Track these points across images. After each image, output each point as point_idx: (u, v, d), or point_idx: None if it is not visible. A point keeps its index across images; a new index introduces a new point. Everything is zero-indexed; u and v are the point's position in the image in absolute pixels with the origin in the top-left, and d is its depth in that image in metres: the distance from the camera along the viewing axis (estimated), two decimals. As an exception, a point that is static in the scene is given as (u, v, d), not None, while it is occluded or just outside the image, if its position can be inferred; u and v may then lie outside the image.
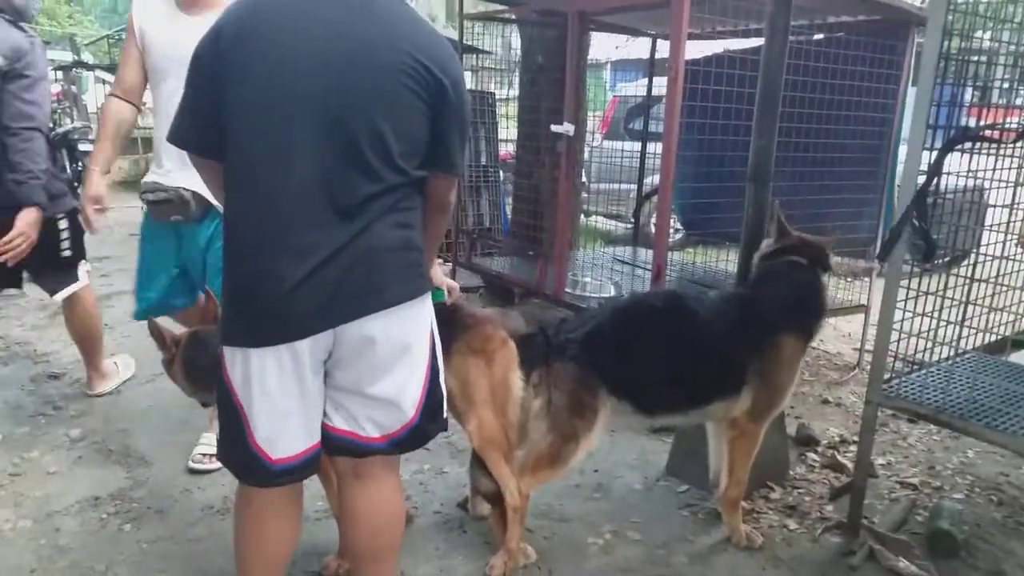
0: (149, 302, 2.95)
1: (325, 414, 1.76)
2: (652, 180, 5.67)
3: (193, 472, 2.92)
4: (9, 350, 4.24)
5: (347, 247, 1.60)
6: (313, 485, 2.38)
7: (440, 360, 1.86)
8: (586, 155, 6.24)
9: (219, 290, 2.79)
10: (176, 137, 1.72)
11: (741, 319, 2.48)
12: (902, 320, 2.52)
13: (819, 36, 4.37)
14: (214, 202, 2.69)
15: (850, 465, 3.09)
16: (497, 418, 2.33)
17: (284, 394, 1.66)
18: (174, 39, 2.62)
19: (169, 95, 2.63)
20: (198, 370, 2.22)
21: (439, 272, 2.21)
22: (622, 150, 6.22)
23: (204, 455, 2.94)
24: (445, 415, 1.90)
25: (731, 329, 2.46)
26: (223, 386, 1.71)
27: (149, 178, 2.82)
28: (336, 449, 1.78)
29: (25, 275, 3.42)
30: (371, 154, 1.59)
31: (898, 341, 2.55)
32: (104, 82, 9.97)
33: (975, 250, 2.76)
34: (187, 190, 2.73)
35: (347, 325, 1.64)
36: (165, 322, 2.52)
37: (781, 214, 2.69)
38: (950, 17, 2.31)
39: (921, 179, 2.38)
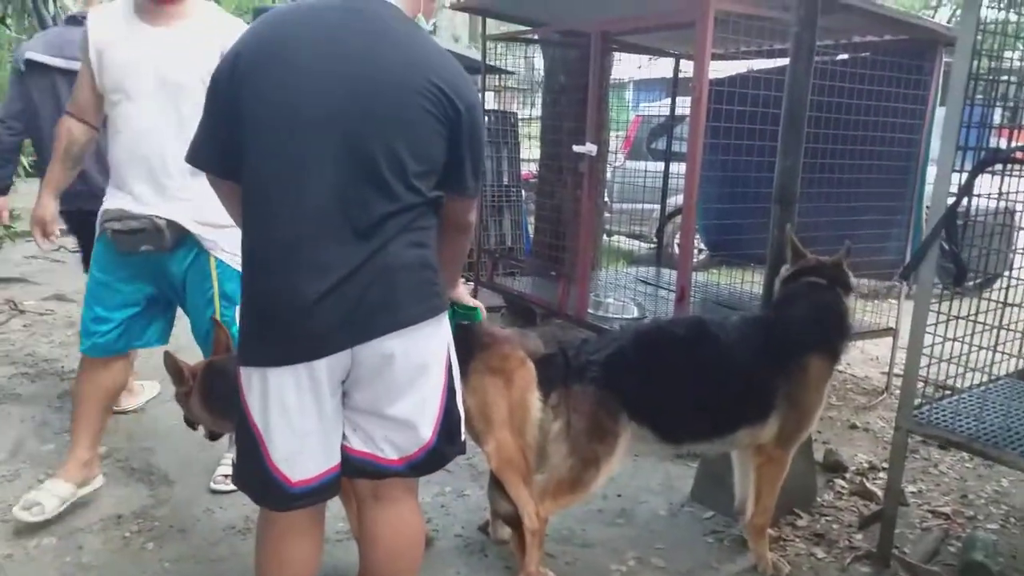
0: (105, 339, 2.73)
1: (344, 435, 1.75)
2: (675, 200, 5.65)
3: (214, 492, 2.92)
4: (37, 367, 4.29)
5: (364, 266, 1.60)
6: (334, 505, 2.36)
7: (457, 381, 1.85)
8: (608, 175, 6.23)
9: (203, 334, 2.76)
10: (195, 158, 1.74)
11: (766, 343, 2.45)
12: (932, 345, 2.47)
13: (844, 56, 4.34)
14: (193, 231, 2.62)
15: (879, 493, 3.02)
16: (515, 439, 2.30)
17: (302, 414, 1.66)
18: (136, 57, 2.52)
19: (136, 114, 2.55)
20: (217, 400, 2.20)
21: (464, 292, 2.20)
22: (645, 170, 6.21)
23: (225, 476, 2.90)
24: (464, 438, 1.88)
25: (756, 353, 2.43)
26: (240, 408, 1.71)
27: (112, 204, 2.62)
28: (354, 471, 1.77)
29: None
30: (388, 174, 1.59)
31: (928, 366, 2.50)
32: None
33: (1007, 273, 2.71)
34: (160, 218, 2.58)
35: (365, 344, 1.63)
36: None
37: (794, 238, 2.67)
38: (979, 37, 2.28)
39: (951, 201, 2.35)
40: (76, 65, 2.86)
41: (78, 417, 2.82)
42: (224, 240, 2.63)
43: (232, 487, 2.77)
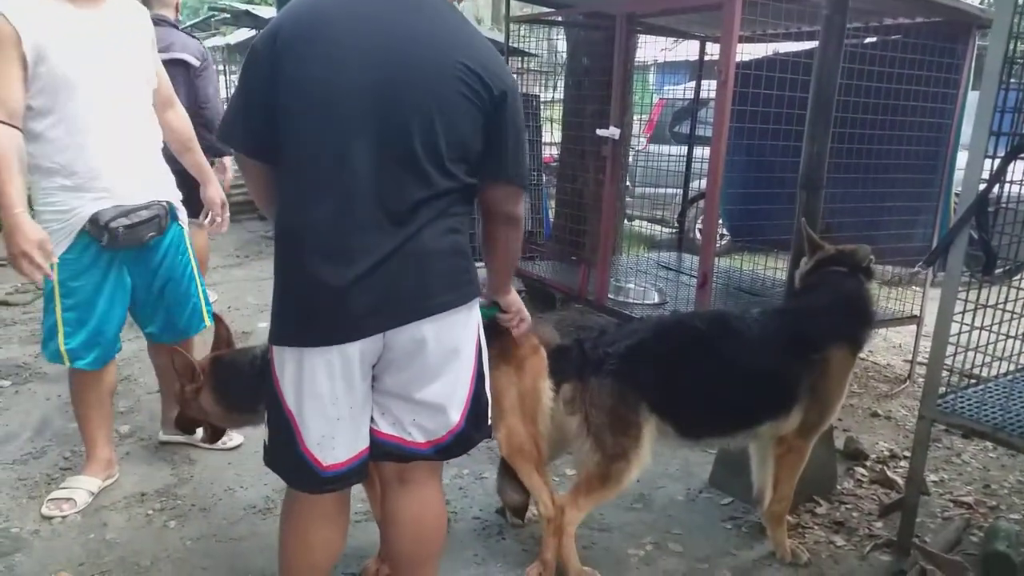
0: (108, 345, 2.67)
1: (372, 419, 1.76)
2: (698, 184, 5.60)
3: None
4: (62, 345, 4.34)
5: (398, 251, 1.60)
6: (355, 488, 2.39)
7: (486, 367, 1.85)
8: (630, 159, 6.18)
9: (187, 320, 2.85)
10: (230, 138, 1.72)
11: (789, 335, 2.42)
12: (959, 333, 2.44)
13: (873, 39, 4.26)
14: (175, 205, 2.75)
15: (900, 481, 3.00)
16: (526, 427, 2.30)
17: (333, 399, 1.66)
18: (80, 46, 2.38)
19: (84, 104, 2.40)
20: (230, 393, 2.20)
21: (516, 297, 2.13)
22: (668, 154, 6.15)
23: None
24: (490, 422, 1.89)
25: (780, 347, 2.40)
26: (272, 391, 1.72)
27: (98, 205, 2.47)
28: (382, 454, 1.78)
29: None
30: (424, 157, 1.59)
31: (954, 355, 2.46)
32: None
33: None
34: (162, 202, 2.64)
35: (398, 329, 1.64)
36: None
37: (809, 230, 2.65)
38: (1016, 19, 2.22)
39: (982, 188, 2.30)
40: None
41: (89, 423, 2.78)
42: (184, 213, 2.84)
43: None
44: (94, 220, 2.48)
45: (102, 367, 2.69)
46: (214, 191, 2.97)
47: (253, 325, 4.81)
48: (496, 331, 2.29)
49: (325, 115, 1.57)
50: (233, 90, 1.72)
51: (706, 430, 2.46)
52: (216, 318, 2.46)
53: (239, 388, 2.18)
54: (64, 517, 2.62)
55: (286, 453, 1.72)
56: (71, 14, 2.39)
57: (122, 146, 2.53)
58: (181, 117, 2.92)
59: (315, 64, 1.56)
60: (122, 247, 2.55)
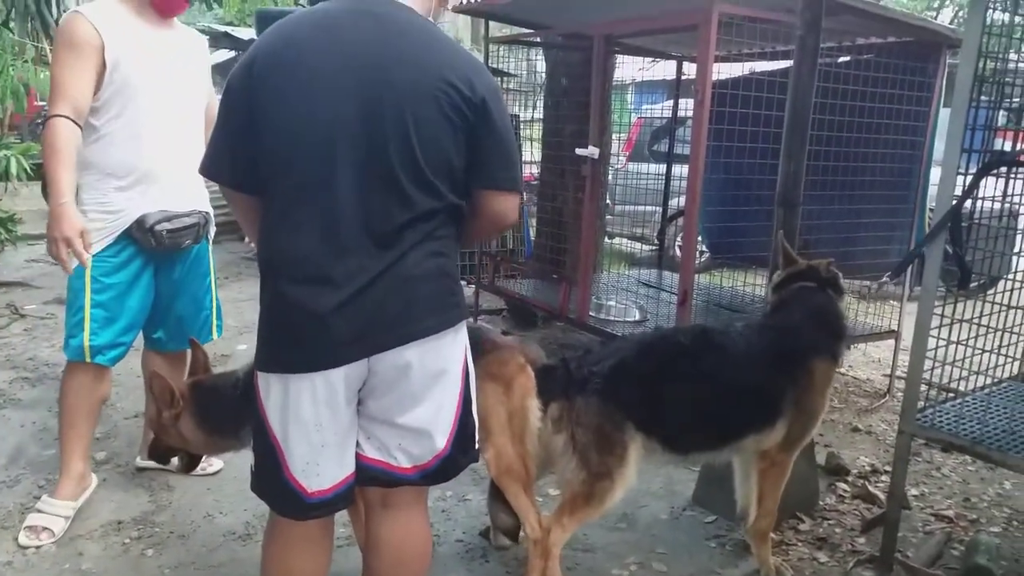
0: (126, 347, 2.76)
1: (357, 443, 1.74)
2: (677, 202, 5.64)
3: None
4: (38, 371, 4.28)
5: (383, 275, 1.60)
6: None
7: (473, 390, 1.84)
8: (610, 177, 6.22)
9: (197, 330, 2.91)
10: (211, 171, 1.71)
11: (771, 350, 2.43)
12: (936, 348, 2.46)
13: (847, 58, 4.33)
14: (210, 217, 2.87)
15: (882, 496, 3.01)
16: (515, 447, 2.29)
17: (318, 425, 1.65)
18: (151, 60, 2.62)
19: (145, 112, 2.61)
20: (213, 418, 2.16)
21: None
22: (647, 172, 6.20)
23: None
24: (477, 447, 1.88)
25: (763, 360, 2.41)
26: (257, 416, 1.70)
27: (145, 208, 2.62)
28: (367, 479, 1.76)
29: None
30: (406, 179, 1.58)
31: (932, 369, 2.48)
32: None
33: (1008, 276, 2.70)
34: (203, 211, 2.80)
35: (382, 354, 1.63)
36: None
37: (786, 244, 2.68)
38: (985, 39, 2.27)
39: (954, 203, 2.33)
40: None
41: (73, 431, 2.74)
42: (213, 226, 2.95)
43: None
44: (140, 222, 2.63)
45: (113, 364, 2.75)
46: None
47: (232, 347, 4.76)
48: (483, 350, 2.29)
49: (307, 146, 1.57)
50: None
51: (693, 445, 2.46)
52: (192, 343, 2.43)
53: (221, 412, 2.15)
54: (39, 548, 2.57)
55: (271, 479, 1.70)
56: (147, 31, 2.64)
57: (175, 155, 2.68)
58: None
59: (294, 98, 1.56)
60: (164, 250, 2.70)
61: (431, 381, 1.70)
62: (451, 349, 1.73)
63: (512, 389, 2.28)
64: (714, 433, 2.44)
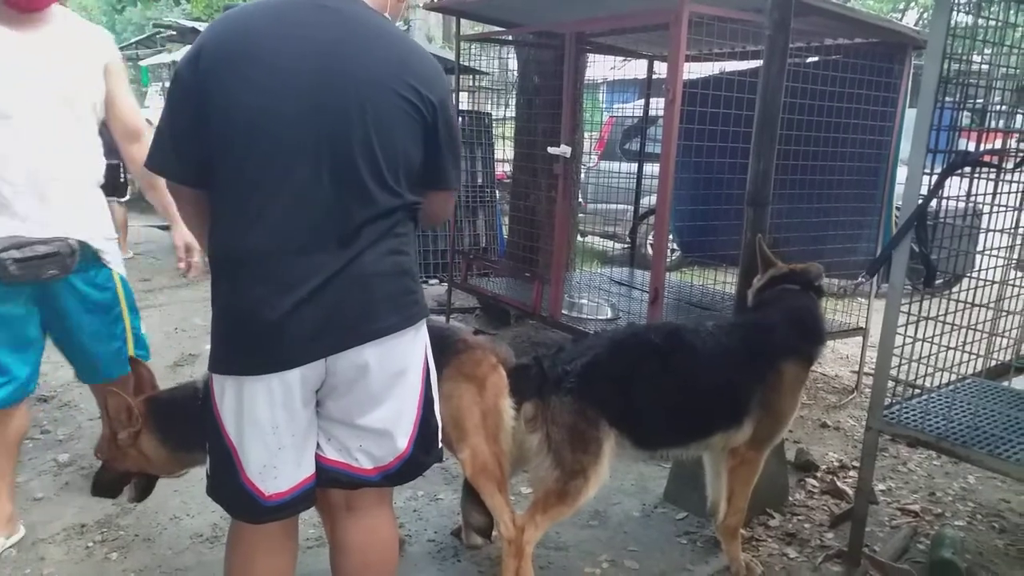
0: (19, 383, 2.45)
1: (318, 445, 1.72)
2: (648, 201, 5.67)
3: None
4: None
5: (340, 274, 1.57)
6: (306, 512, 2.33)
7: (435, 390, 1.82)
8: (582, 175, 6.23)
9: (109, 362, 2.58)
10: (157, 164, 1.63)
11: (742, 349, 2.45)
12: (902, 345, 2.49)
13: (816, 59, 4.38)
14: (97, 246, 2.47)
15: (850, 491, 3.05)
16: (490, 446, 2.28)
17: (274, 427, 1.62)
18: (10, 70, 2.27)
19: (20, 127, 2.30)
20: (179, 433, 2.08)
21: None
22: (618, 171, 6.22)
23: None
24: (440, 446, 1.86)
25: (732, 360, 2.43)
26: (212, 419, 1.67)
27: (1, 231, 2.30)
28: (328, 481, 1.74)
29: None
30: (367, 175, 1.55)
31: (898, 366, 2.52)
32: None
33: (971, 274, 2.75)
34: (72, 239, 2.38)
35: (340, 354, 1.60)
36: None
37: (764, 246, 2.69)
38: (950, 41, 2.30)
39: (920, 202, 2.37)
40: None
41: None
42: (116, 252, 2.59)
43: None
44: None
45: (7, 407, 2.44)
46: (180, 234, 2.63)
47: (200, 347, 4.69)
48: (456, 350, 2.27)
49: (263, 140, 1.51)
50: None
51: (660, 440, 2.47)
52: (133, 362, 2.31)
53: (185, 425, 2.06)
54: None
55: (227, 483, 1.67)
56: (5, 36, 2.28)
57: (43, 176, 2.34)
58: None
59: (248, 89, 1.50)
60: (13, 281, 2.30)
61: (391, 381, 1.67)
62: (411, 348, 1.71)
63: (486, 388, 2.27)
64: (682, 430, 2.45)
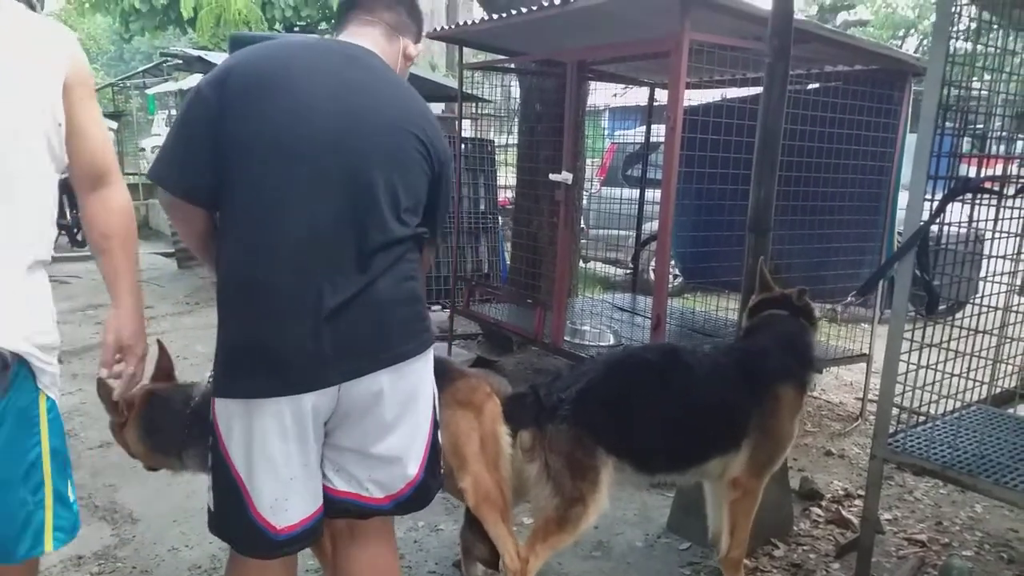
0: None
1: (325, 476, 1.70)
2: (650, 227, 5.68)
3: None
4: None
5: (356, 299, 1.57)
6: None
7: (439, 412, 1.83)
8: (584, 201, 6.24)
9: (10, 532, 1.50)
10: (165, 177, 1.60)
11: (738, 373, 2.44)
12: (906, 372, 2.48)
13: (816, 85, 4.40)
14: (27, 356, 1.48)
15: (856, 520, 3.01)
16: (491, 473, 2.26)
17: (287, 458, 1.59)
18: None
19: None
20: (158, 433, 2.06)
21: None
22: (620, 197, 6.23)
23: None
24: (442, 470, 1.86)
25: (729, 384, 2.42)
26: (218, 454, 1.64)
27: None
28: (338, 512, 1.72)
29: None
30: (385, 205, 1.59)
31: (903, 393, 2.50)
32: (111, 129, 10.09)
33: (972, 301, 2.74)
34: (6, 350, 1.46)
35: (355, 381, 1.59)
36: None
37: (765, 270, 2.70)
38: (949, 68, 2.31)
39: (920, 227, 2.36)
40: None
41: None
42: (55, 369, 1.58)
43: None
44: None
45: None
46: (115, 325, 1.73)
47: (202, 375, 4.67)
48: (451, 378, 2.27)
49: (287, 163, 1.54)
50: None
51: (658, 464, 2.45)
52: (159, 346, 2.26)
53: (166, 430, 2.03)
54: None
55: (236, 519, 1.63)
56: None
57: None
58: (113, 201, 1.71)
59: (275, 112, 1.54)
60: None
61: (403, 408, 1.67)
62: (421, 374, 1.72)
63: (483, 414, 2.27)
64: (679, 453, 2.43)
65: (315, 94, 1.56)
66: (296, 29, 12.66)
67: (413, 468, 1.72)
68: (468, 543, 2.46)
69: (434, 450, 1.78)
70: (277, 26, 12.48)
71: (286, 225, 1.54)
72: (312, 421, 1.60)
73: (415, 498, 1.75)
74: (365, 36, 1.73)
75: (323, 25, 13.17)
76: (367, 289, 1.58)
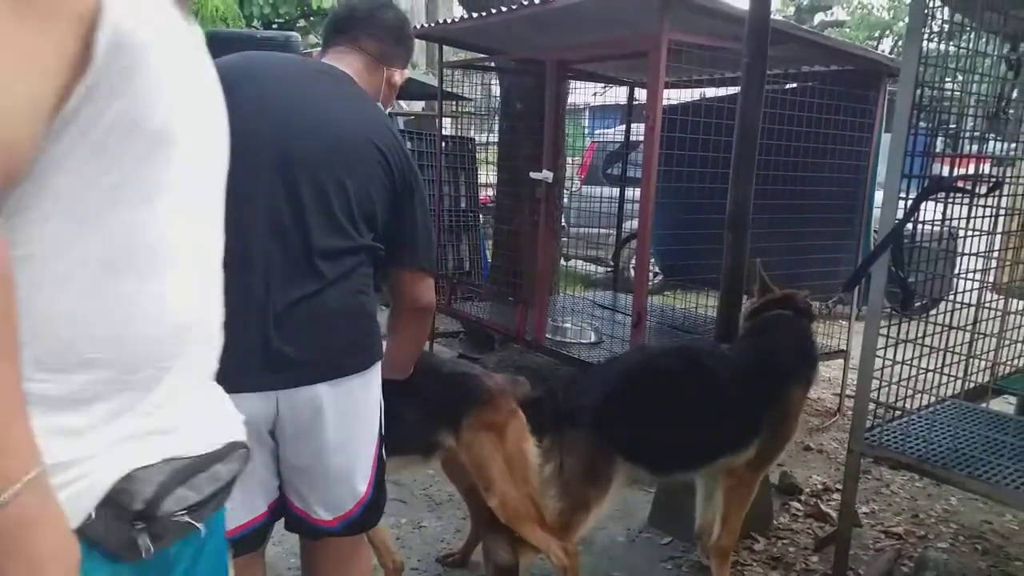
0: None
1: (282, 489, 1.69)
2: (630, 225, 5.71)
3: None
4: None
5: (301, 306, 1.54)
6: (288, 540, 2.31)
7: (383, 427, 1.78)
8: (565, 200, 6.27)
9: None
10: None
11: (754, 375, 2.48)
12: (882, 368, 2.52)
13: (793, 85, 4.45)
14: None
15: (834, 514, 3.05)
16: (519, 489, 2.26)
17: None
18: None
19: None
20: None
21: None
22: (600, 195, 6.26)
23: None
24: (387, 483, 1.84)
25: (746, 386, 2.46)
26: None
27: None
28: (292, 526, 1.72)
29: None
30: (338, 210, 1.57)
31: (879, 389, 2.54)
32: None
33: (946, 297, 2.79)
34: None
35: (294, 390, 1.56)
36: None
37: (764, 273, 2.73)
38: (922, 69, 2.35)
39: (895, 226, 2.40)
40: None
41: None
42: None
43: None
44: None
45: None
46: None
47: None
48: (479, 401, 2.25)
49: (241, 161, 1.51)
50: None
51: (674, 464, 2.50)
52: None
53: None
54: None
55: None
56: None
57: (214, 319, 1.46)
58: None
59: (237, 111, 1.52)
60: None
61: (349, 425, 1.64)
62: (367, 390, 1.68)
63: (506, 435, 2.25)
64: (695, 453, 2.47)
65: (277, 98, 1.58)
66: (274, 26, 12.56)
67: (362, 485, 1.70)
68: (490, 549, 2.44)
69: (380, 466, 1.75)
70: (255, 23, 12.38)
71: (235, 224, 1.52)
72: (249, 426, 1.58)
73: (364, 517, 1.73)
74: (343, 63, 1.72)
75: (301, 23, 13.08)
76: (315, 296, 1.55)
